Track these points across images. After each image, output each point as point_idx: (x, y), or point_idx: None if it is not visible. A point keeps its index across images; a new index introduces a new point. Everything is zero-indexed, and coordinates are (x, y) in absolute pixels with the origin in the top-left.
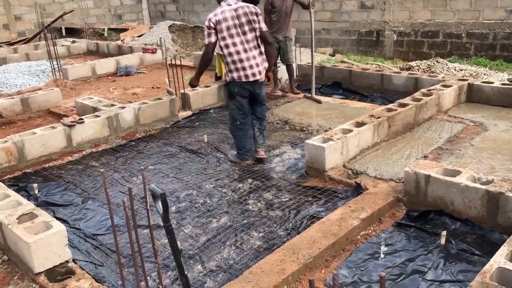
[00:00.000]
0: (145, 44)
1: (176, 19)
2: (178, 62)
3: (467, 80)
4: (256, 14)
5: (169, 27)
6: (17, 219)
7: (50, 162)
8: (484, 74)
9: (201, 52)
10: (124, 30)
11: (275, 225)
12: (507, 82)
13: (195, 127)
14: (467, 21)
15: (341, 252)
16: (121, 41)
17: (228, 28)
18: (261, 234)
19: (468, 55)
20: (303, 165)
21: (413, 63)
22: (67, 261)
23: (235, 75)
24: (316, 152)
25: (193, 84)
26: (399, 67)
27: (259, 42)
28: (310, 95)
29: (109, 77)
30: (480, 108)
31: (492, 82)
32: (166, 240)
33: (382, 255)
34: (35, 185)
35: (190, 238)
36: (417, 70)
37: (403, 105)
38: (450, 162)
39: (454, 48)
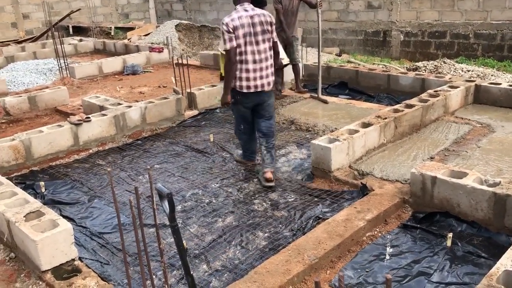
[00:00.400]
0: (152, 43)
1: (183, 18)
2: (184, 61)
3: (474, 81)
4: (271, 24)
5: (175, 26)
6: (24, 217)
7: (57, 160)
8: (492, 75)
9: (207, 52)
10: (131, 29)
11: (280, 225)
12: None
13: (201, 127)
14: (474, 22)
15: (346, 253)
16: (128, 40)
17: (243, 36)
18: (266, 234)
19: (476, 56)
20: (309, 165)
21: (420, 64)
22: (73, 259)
23: (237, 84)
24: (322, 153)
25: (225, 101)
26: (406, 67)
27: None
28: (316, 95)
29: (116, 76)
30: (488, 109)
31: (500, 84)
32: (172, 239)
33: (387, 257)
34: (42, 183)
35: (195, 238)
36: (424, 71)
37: (409, 106)
38: (457, 163)
39: (462, 49)
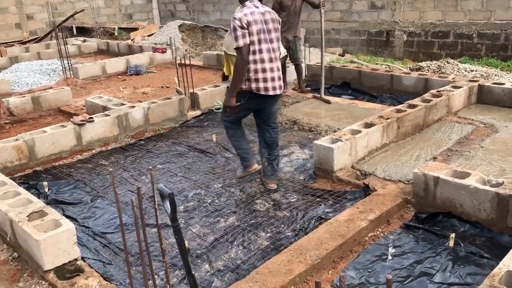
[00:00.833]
0: (155, 44)
1: (186, 18)
2: (187, 62)
3: (478, 81)
4: (279, 22)
5: (179, 26)
6: (27, 216)
7: (60, 160)
8: (495, 75)
9: (210, 52)
10: (135, 29)
11: (282, 225)
12: None
13: (204, 127)
14: (478, 22)
15: (348, 253)
16: (132, 40)
17: (258, 32)
18: (268, 235)
19: (479, 55)
20: (311, 165)
21: (423, 64)
22: (76, 259)
23: (253, 86)
24: (325, 153)
25: (231, 104)
26: (409, 67)
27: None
28: (319, 95)
29: (119, 76)
30: (491, 109)
31: (503, 84)
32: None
33: (390, 257)
34: (45, 183)
35: (198, 238)
36: (427, 71)
37: (412, 106)
38: (460, 164)
39: (465, 49)
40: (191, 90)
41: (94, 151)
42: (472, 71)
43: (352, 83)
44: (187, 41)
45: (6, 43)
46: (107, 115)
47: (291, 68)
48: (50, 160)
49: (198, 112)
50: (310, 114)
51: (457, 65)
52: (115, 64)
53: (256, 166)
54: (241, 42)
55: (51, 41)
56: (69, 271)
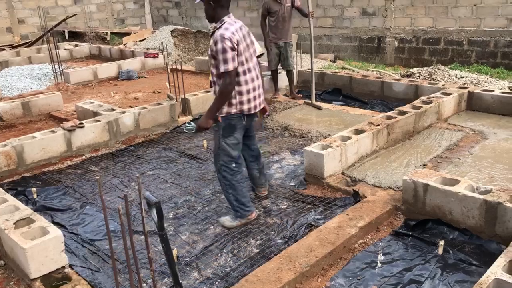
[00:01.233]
0: (147, 49)
1: (178, 24)
2: (179, 67)
3: (468, 88)
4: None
5: (171, 31)
6: (14, 224)
7: (49, 166)
8: (485, 82)
9: (203, 57)
10: (127, 34)
11: (272, 232)
12: (507, 90)
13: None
14: (468, 29)
15: (338, 261)
16: (124, 45)
17: (244, 51)
18: (258, 242)
19: (469, 62)
20: (302, 172)
21: (414, 70)
22: (63, 267)
23: (245, 107)
24: (315, 159)
25: (207, 126)
26: (400, 74)
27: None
28: (310, 101)
29: (111, 81)
30: (480, 116)
31: (493, 91)
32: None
33: (379, 264)
34: (34, 189)
35: (187, 245)
36: (418, 77)
37: (402, 113)
38: (449, 170)
39: (456, 56)
40: (182, 96)
41: (84, 157)
42: (462, 77)
43: (343, 89)
44: (180, 46)
45: None
46: (97, 120)
47: (282, 74)
48: (39, 166)
49: (189, 118)
50: (301, 120)
51: (448, 72)
52: (107, 69)
53: (255, 214)
54: (231, 66)
55: (42, 46)
56: (56, 279)
